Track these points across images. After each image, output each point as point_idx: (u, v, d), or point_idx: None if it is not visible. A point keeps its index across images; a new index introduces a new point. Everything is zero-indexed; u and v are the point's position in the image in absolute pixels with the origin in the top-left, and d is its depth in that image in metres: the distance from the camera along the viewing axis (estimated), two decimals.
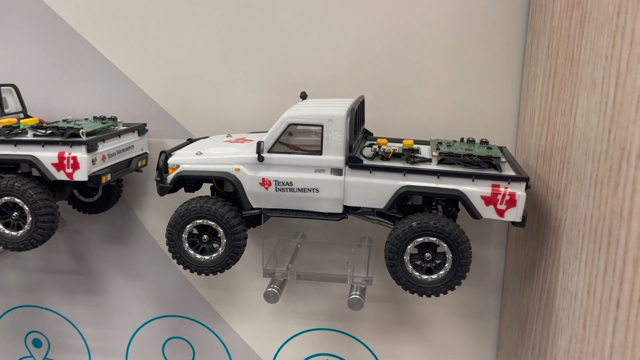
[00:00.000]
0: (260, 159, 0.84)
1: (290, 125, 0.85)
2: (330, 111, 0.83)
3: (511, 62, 1.01)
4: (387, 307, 1.17)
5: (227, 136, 1.01)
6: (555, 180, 0.85)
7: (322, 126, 0.83)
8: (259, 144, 0.86)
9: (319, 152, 0.84)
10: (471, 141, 0.96)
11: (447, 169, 0.85)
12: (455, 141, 0.97)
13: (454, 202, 0.92)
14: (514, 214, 0.83)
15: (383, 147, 0.91)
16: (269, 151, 0.85)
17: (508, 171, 0.86)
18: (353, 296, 0.93)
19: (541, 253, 0.90)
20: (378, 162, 0.85)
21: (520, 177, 0.83)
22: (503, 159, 0.87)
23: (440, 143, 0.95)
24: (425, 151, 0.94)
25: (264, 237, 1.06)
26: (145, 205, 1.19)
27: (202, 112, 1.11)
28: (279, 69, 1.07)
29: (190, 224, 0.88)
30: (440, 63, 1.02)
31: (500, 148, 0.96)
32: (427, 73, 1.03)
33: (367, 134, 1.04)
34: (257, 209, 0.89)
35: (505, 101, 1.03)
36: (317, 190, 0.84)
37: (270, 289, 0.96)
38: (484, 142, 0.95)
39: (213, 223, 0.87)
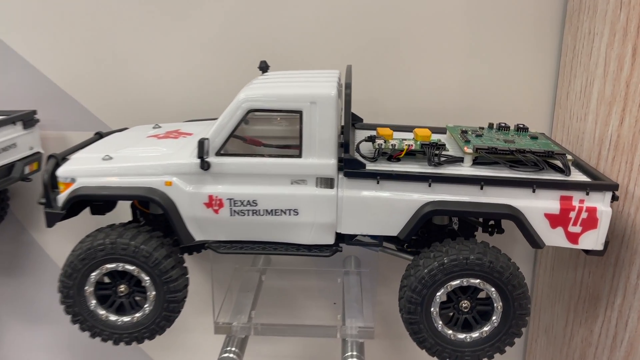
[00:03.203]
0: (205, 165, 0.61)
1: (250, 112, 0.60)
2: (312, 89, 0.62)
3: (545, 16, 0.83)
4: (381, 345, 1.01)
5: (154, 127, 0.81)
6: None
7: (300, 112, 0.61)
8: (201, 142, 0.60)
9: (297, 154, 0.62)
10: (504, 128, 0.72)
11: (494, 175, 0.60)
12: (482, 128, 0.73)
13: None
14: (593, 240, 0.60)
15: (390, 141, 0.65)
16: (219, 153, 0.62)
17: (577, 175, 0.62)
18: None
19: (615, 285, 0.69)
20: (388, 166, 0.62)
21: (603, 185, 0.59)
22: (569, 156, 0.62)
23: (465, 132, 0.70)
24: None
25: (213, 263, 0.85)
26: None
27: (118, 93, 0.93)
28: (227, 30, 0.89)
29: (97, 271, 0.63)
30: (450, 21, 0.85)
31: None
32: (432, 35, 0.86)
33: (355, 120, 0.79)
34: (203, 242, 0.64)
35: (535, 70, 0.86)
36: (296, 212, 0.63)
37: (226, 355, 0.67)
38: (523, 129, 0.71)
39: (133, 267, 0.63)
